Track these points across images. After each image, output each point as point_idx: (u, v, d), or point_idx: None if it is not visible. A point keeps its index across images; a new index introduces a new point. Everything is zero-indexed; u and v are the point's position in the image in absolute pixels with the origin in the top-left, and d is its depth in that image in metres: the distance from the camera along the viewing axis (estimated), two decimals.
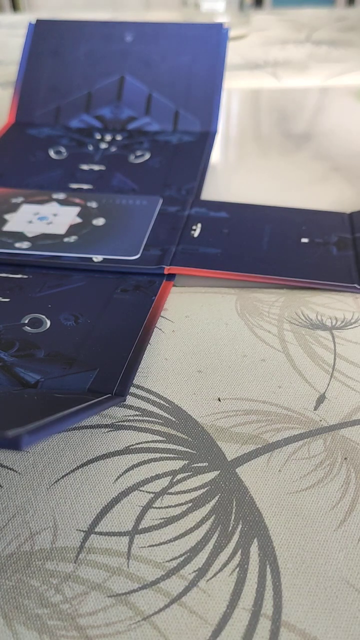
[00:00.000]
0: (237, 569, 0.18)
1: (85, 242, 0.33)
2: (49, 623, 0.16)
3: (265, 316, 0.28)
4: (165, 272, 0.31)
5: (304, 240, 0.33)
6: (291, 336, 0.27)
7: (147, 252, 0.32)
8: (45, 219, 0.35)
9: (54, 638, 0.16)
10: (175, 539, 0.19)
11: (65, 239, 0.33)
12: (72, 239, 0.33)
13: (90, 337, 0.26)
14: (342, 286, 0.30)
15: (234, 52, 0.68)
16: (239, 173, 0.43)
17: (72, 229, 0.34)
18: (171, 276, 0.31)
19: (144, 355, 0.26)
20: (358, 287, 0.29)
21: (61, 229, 0.34)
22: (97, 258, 0.31)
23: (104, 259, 0.31)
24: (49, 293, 0.29)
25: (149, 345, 0.26)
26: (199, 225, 0.34)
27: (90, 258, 0.31)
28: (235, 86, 0.60)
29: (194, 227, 0.34)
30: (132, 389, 0.24)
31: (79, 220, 0.35)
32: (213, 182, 0.42)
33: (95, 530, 0.19)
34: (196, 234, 0.34)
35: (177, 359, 0.26)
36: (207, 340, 0.27)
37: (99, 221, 0.35)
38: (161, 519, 0.19)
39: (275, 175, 0.42)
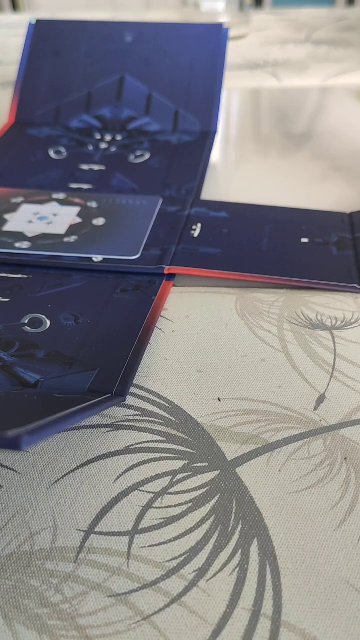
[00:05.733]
0: (237, 569, 0.18)
1: (85, 242, 0.33)
2: (49, 623, 0.16)
3: (265, 316, 0.28)
4: (165, 272, 0.31)
5: (304, 240, 0.33)
6: (291, 336, 0.27)
7: (147, 252, 0.32)
8: (45, 218, 0.35)
9: (54, 638, 0.16)
10: (175, 539, 0.19)
11: (65, 239, 0.33)
12: (72, 238, 0.33)
13: (90, 337, 0.26)
14: (342, 286, 0.30)
15: (234, 52, 0.68)
16: (239, 173, 0.43)
17: (72, 229, 0.34)
18: (171, 276, 0.31)
19: (144, 355, 0.26)
20: (358, 287, 0.30)
21: (61, 229, 0.34)
22: (97, 258, 0.31)
23: (104, 259, 0.31)
24: (49, 293, 0.29)
25: (149, 345, 0.26)
26: (199, 225, 0.34)
27: (90, 258, 0.31)
28: (235, 86, 0.60)
29: (194, 227, 0.34)
30: (132, 389, 0.24)
31: (79, 220, 0.35)
32: (213, 182, 0.42)
33: (95, 530, 0.19)
34: (196, 234, 0.34)
35: (177, 359, 0.26)
36: (207, 340, 0.27)
37: (99, 221, 0.35)
38: (161, 519, 0.19)
39: (275, 175, 0.42)
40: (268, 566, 0.18)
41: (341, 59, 0.66)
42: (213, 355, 0.26)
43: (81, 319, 0.27)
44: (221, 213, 0.36)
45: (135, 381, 0.24)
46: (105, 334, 0.26)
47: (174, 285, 0.30)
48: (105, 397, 0.22)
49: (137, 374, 0.25)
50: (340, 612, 0.17)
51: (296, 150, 0.46)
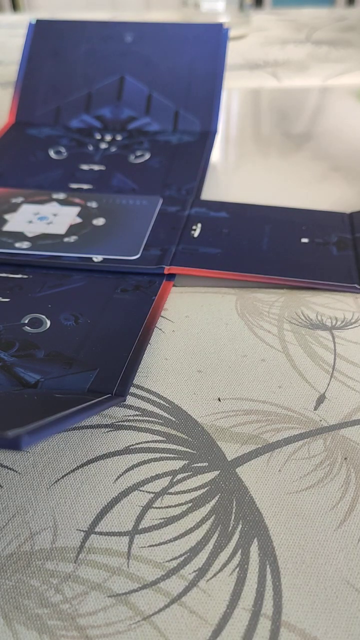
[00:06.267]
0: (237, 569, 0.18)
1: (85, 242, 0.33)
2: (49, 623, 0.16)
3: (265, 316, 0.28)
4: (165, 272, 0.31)
5: (304, 240, 0.33)
6: (291, 336, 0.27)
7: (147, 252, 0.32)
8: (45, 218, 0.35)
9: (54, 638, 0.16)
10: (175, 539, 0.19)
11: (65, 239, 0.33)
12: (72, 238, 0.33)
13: (90, 337, 0.26)
14: (342, 286, 0.30)
15: (234, 52, 0.68)
16: (239, 173, 0.43)
17: (72, 229, 0.34)
18: (171, 276, 0.31)
19: (144, 355, 0.26)
20: (358, 287, 0.30)
21: (61, 229, 0.34)
22: (97, 258, 0.31)
23: (104, 259, 0.31)
24: (49, 293, 0.29)
25: (149, 345, 0.26)
26: (199, 225, 0.34)
27: (90, 258, 0.31)
28: (235, 86, 0.60)
29: (194, 227, 0.34)
30: (132, 389, 0.24)
31: (79, 220, 0.35)
32: (213, 182, 0.42)
33: (95, 530, 0.19)
34: (196, 233, 0.34)
35: (177, 359, 0.26)
36: (207, 340, 0.27)
37: (99, 221, 0.35)
38: (161, 519, 0.19)
39: (275, 175, 0.42)
40: (268, 566, 0.18)
41: (341, 59, 0.66)
42: (213, 355, 0.26)
43: (81, 319, 0.27)
44: (221, 213, 0.36)
45: (135, 381, 0.24)
46: (105, 334, 0.26)
47: (174, 285, 0.30)
48: (105, 397, 0.22)
49: (137, 374, 0.25)
50: (340, 612, 0.17)
51: (296, 150, 0.46)
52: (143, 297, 0.29)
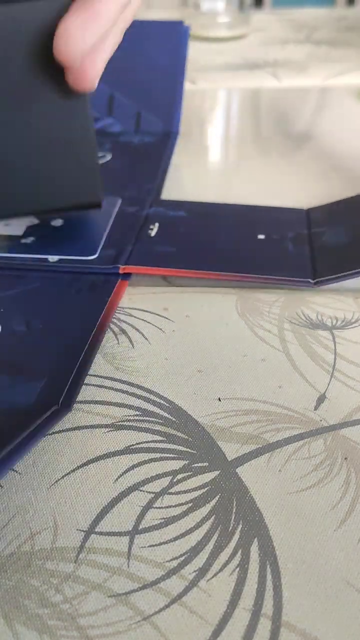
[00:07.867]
0: (238, 569, 0.18)
1: (43, 243, 0.32)
2: (49, 623, 0.16)
3: (266, 316, 0.28)
4: (120, 271, 0.30)
5: (261, 236, 0.33)
6: (291, 336, 0.27)
7: (104, 252, 0.32)
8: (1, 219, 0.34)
9: (54, 638, 0.16)
10: (176, 539, 0.19)
11: (23, 240, 0.33)
12: (30, 240, 0.33)
13: (40, 343, 0.26)
14: (296, 281, 0.30)
15: (233, 52, 0.68)
16: (239, 173, 0.43)
17: (30, 230, 0.34)
18: (127, 275, 0.31)
19: (144, 355, 0.26)
20: (311, 281, 0.29)
21: (19, 230, 0.33)
22: (52, 258, 0.31)
23: (60, 259, 0.31)
24: (1, 296, 0.29)
25: (149, 344, 0.26)
26: (157, 224, 0.34)
27: (46, 259, 0.31)
28: (235, 86, 0.60)
29: (151, 227, 0.34)
30: (133, 389, 0.24)
31: (36, 221, 0.35)
32: (213, 182, 0.42)
33: (96, 530, 0.19)
34: (153, 233, 0.33)
35: (177, 359, 0.26)
36: (207, 340, 0.27)
37: (57, 222, 0.34)
38: (161, 519, 0.19)
39: (275, 176, 0.42)
40: (268, 566, 0.18)
41: (341, 59, 0.66)
42: (213, 355, 0.26)
43: (33, 323, 0.27)
44: (179, 212, 0.36)
45: (135, 381, 0.24)
46: (56, 339, 0.26)
47: (173, 285, 0.30)
48: (51, 411, 0.22)
49: (137, 373, 0.25)
50: (340, 612, 0.17)
51: (296, 150, 0.46)
52: (97, 298, 0.28)
